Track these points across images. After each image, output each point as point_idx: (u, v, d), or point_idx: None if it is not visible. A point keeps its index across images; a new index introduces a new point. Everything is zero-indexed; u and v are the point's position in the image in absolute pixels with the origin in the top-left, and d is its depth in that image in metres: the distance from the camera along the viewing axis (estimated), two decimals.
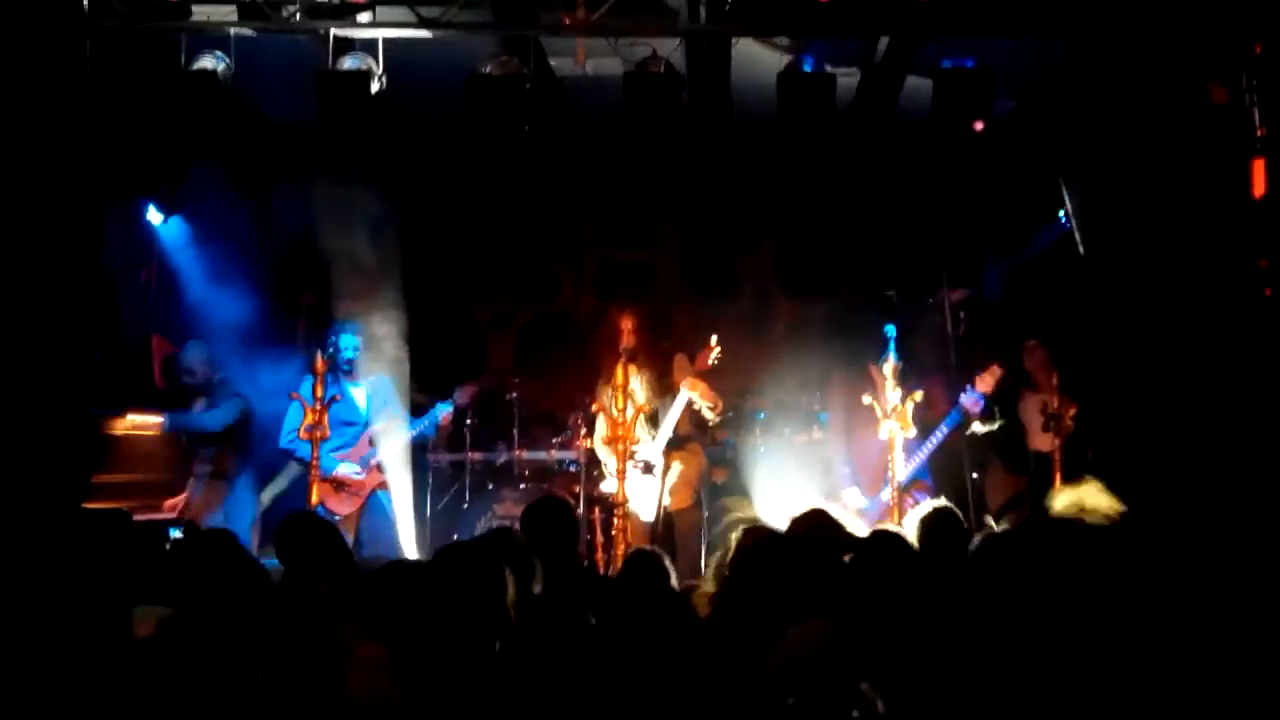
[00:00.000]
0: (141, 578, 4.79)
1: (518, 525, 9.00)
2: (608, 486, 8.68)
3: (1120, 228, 9.18)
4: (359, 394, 8.92)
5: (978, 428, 8.60)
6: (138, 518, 8.30)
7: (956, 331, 9.08)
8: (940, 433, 8.51)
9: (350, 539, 8.28)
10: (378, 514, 8.84)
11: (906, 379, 8.24)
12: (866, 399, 8.32)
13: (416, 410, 9.24)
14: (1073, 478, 8.36)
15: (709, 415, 8.91)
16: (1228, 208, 8.33)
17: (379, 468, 8.85)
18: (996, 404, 8.66)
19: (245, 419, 8.97)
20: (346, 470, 8.77)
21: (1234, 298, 8.33)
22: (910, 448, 8.38)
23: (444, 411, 9.19)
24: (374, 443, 8.87)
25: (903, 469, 8.24)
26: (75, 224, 8.68)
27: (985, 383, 8.57)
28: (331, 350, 8.68)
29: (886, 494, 8.29)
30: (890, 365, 8.16)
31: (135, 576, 4.80)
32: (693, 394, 8.70)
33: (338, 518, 8.47)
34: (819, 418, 9.64)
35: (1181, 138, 8.52)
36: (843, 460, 8.78)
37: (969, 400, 8.50)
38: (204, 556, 4.91)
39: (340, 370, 8.76)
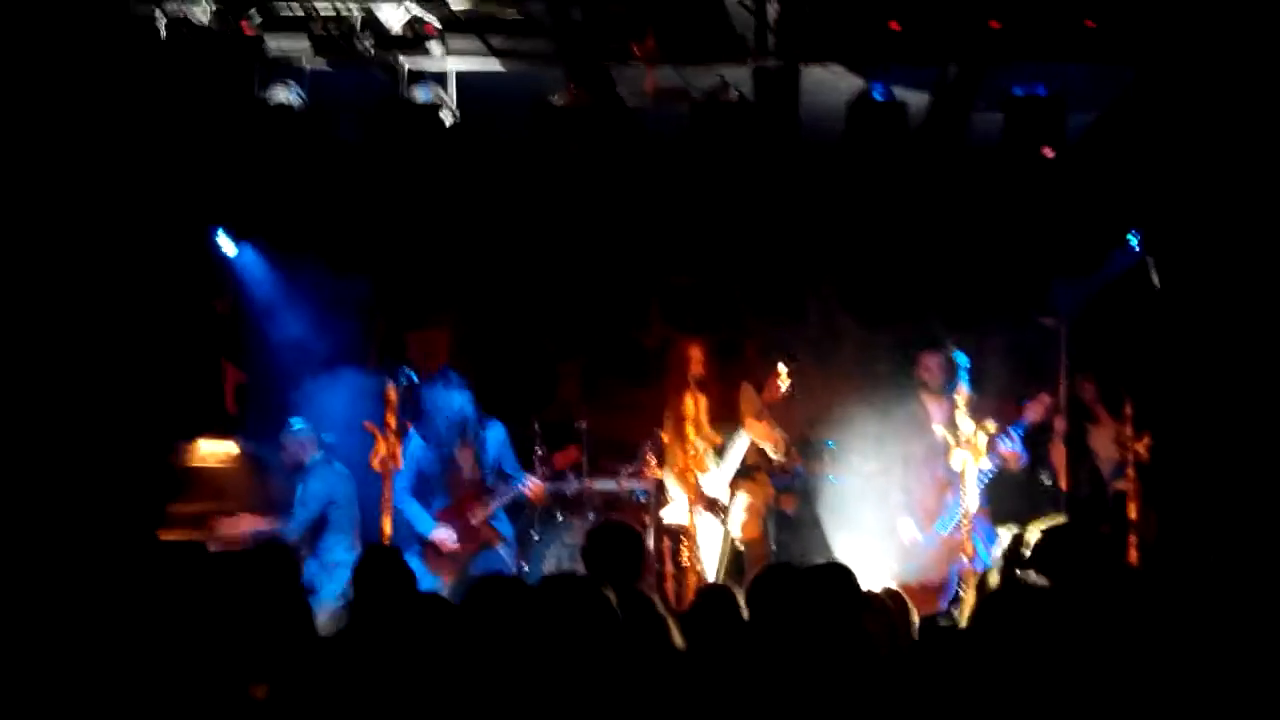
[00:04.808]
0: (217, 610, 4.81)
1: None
2: (677, 517, 8.65)
3: (1192, 256, 9.12)
4: (467, 452, 8.76)
5: None
6: (212, 548, 8.38)
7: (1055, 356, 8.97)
8: (987, 471, 8.38)
9: None
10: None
11: (977, 406, 8.18)
12: (938, 429, 8.28)
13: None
14: (1149, 508, 8.36)
15: (771, 455, 8.87)
16: None
17: (486, 528, 8.71)
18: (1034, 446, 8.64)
19: (333, 504, 8.77)
20: (442, 535, 8.60)
21: None
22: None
23: (529, 484, 8.92)
24: (482, 503, 8.69)
25: (970, 500, 8.16)
26: (148, 254, 8.82)
27: (1035, 411, 8.51)
28: (434, 407, 8.66)
29: (942, 527, 8.29)
30: (964, 393, 8.07)
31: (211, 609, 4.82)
32: (753, 436, 8.67)
33: (439, 580, 8.31)
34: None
35: (1252, 165, 8.45)
36: (900, 490, 8.70)
37: (1009, 450, 8.38)
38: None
39: (446, 427, 8.66)
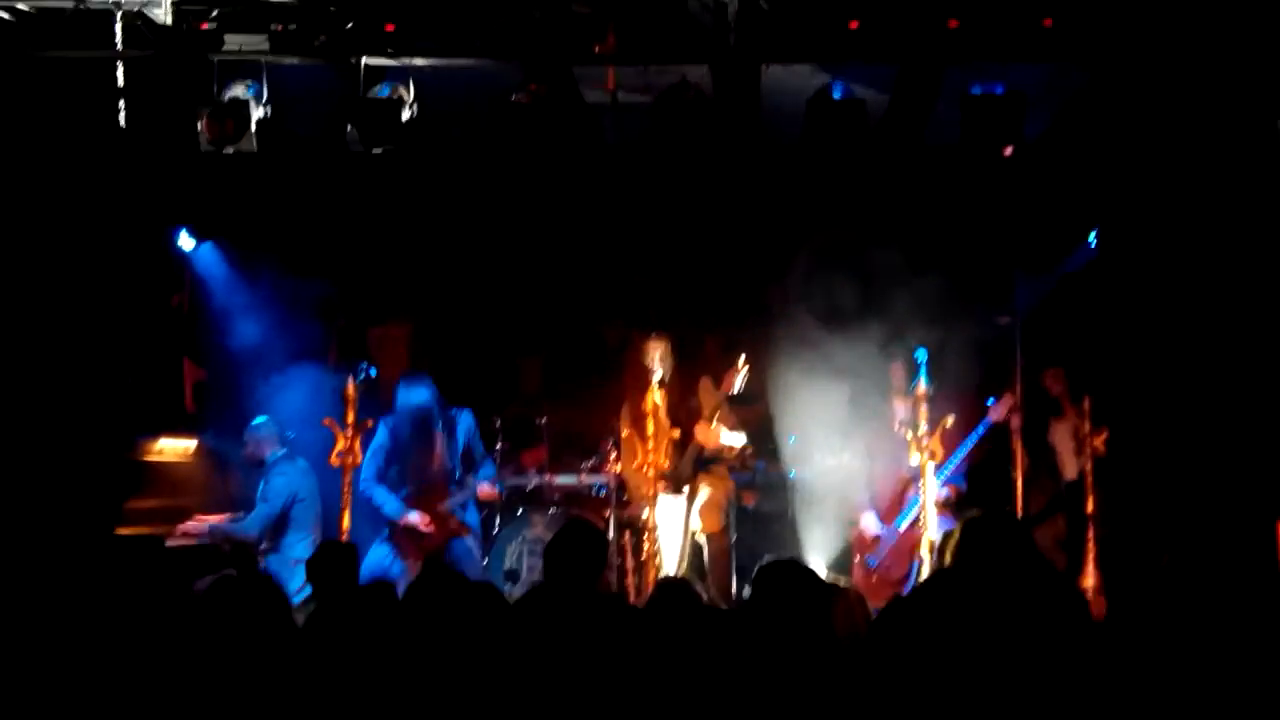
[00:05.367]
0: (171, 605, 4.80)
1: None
2: (637, 511, 8.68)
3: (1148, 252, 9.20)
4: (437, 439, 8.68)
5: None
6: (170, 544, 8.36)
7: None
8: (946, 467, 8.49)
9: None
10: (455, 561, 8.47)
11: (937, 402, 8.24)
12: (898, 425, 8.33)
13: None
14: (1106, 502, 8.44)
15: (736, 447, 8.93)
16: (1255, 233, 8.34)
17: (454, 516, 8.65)
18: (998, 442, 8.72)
19: (295, 501, 8.69)
20: (415, 519, 8.51)
21: (1263, 319, 8.33)
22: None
23: (485, 484, 8.87)
24: (451, 491, 8.65)
25: (930, 494, 8.21)
26: (104, 251, 8.78)
27: (1000, 410, 8.62)
28: (406, 401, 8.59)
29: (902, 523, 8.45)
30: (921, 389, 8.13)
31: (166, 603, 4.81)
32: (706, 445, 8.74)
33: (406, 566, 8.29)
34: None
35: (1208, 163, 8.54)
36: (863, 484, 8.78)
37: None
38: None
39: (416, 420, 8.59)
